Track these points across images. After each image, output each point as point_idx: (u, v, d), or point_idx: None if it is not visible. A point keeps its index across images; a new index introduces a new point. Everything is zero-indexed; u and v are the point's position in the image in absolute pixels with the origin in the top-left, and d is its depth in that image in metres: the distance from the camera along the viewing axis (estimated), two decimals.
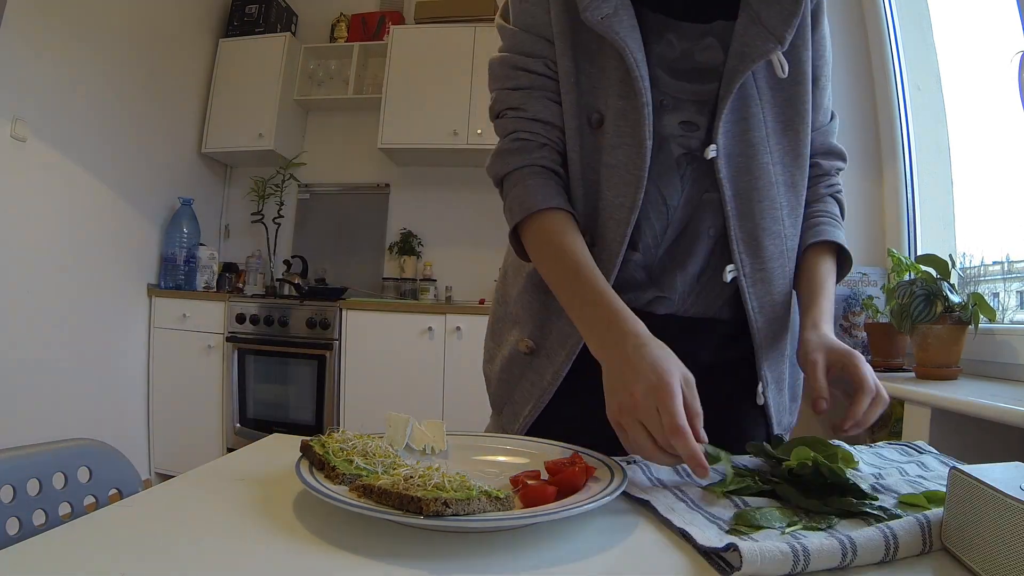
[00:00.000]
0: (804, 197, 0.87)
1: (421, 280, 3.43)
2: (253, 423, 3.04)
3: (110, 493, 0.68)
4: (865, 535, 0.45)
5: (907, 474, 0.65)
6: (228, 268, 3.49)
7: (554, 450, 0.67)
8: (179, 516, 0.53)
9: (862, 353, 2.08)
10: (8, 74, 2.39)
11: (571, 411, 0.80)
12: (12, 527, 0.58)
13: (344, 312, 2.98)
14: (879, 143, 2.23)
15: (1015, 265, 1.90)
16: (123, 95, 2.98)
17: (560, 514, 0.49)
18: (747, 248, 0.81)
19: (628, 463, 0.68)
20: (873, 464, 0.69)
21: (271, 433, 0.82)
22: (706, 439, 0.58)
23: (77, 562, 0.44)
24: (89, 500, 0.66)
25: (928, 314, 1.52)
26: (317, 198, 3.71)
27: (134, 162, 3.07)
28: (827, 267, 0.84)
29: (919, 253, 2.00)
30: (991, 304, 1.51)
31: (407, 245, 3.51)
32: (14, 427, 2.39)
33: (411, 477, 0.50)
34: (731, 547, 0.43)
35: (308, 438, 0.62)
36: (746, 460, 0.72)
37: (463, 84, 3.17)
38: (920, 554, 0.46)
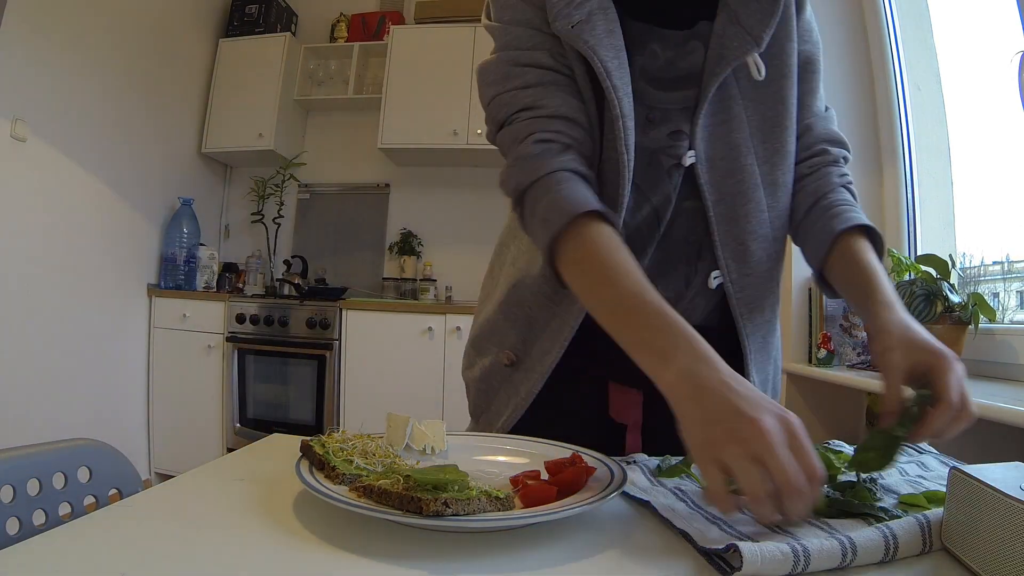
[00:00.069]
0: (790, 194, 0.83)
1: (421, 280, 3.43)
2: (253, 423, 3.04)
3: (110, 493, 0.68)
4: (865, 535, 0.45)
5: (907, 474, 0.65)
6: (228, 268, 3.49)
7: (554, 450, 0.67)
8: (179, 516, 0.53)
9: (862, 354, 2.06)
10: (8, 74, 2.39)
11: (543, 428, 0.75)
12: (12, 527, 0.58)
13: (344, 312, 2.98)
14: (879, 143, 2.23)
15: (1015, 265, 1.90)
16: (123, 95, 2.98)
17: (560, 514, 0.49)
18: (733, 253, 0.79)
19: (628, 463, 0.68)
20: None
21: (271, 433, 0.82)
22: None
23: (77, 562, 0.44)
24: (89, 500, 0.66)
25: (928, 314, 1.52)
26: (317, 198, 3.71)
27: (134, 162, 3.07)
28: (866, 247, 0.74)
29: (919, 253, 2.00)
30: (991, 304, 1.51)
31: (407, 245, 3.51)
32: (14, 427, 2.39)
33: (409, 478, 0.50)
34: (731, 548, 0.43)
35: (308, 438, 0.62)
36: None
37: (463, 84, 3.17)
38: (920, 554, 0.46)
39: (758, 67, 0.75)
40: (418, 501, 0.47)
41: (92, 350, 2.84)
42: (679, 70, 0.77)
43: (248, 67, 3.50)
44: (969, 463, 0.50)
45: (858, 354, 1.99)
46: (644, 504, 0.57)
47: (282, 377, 3.04)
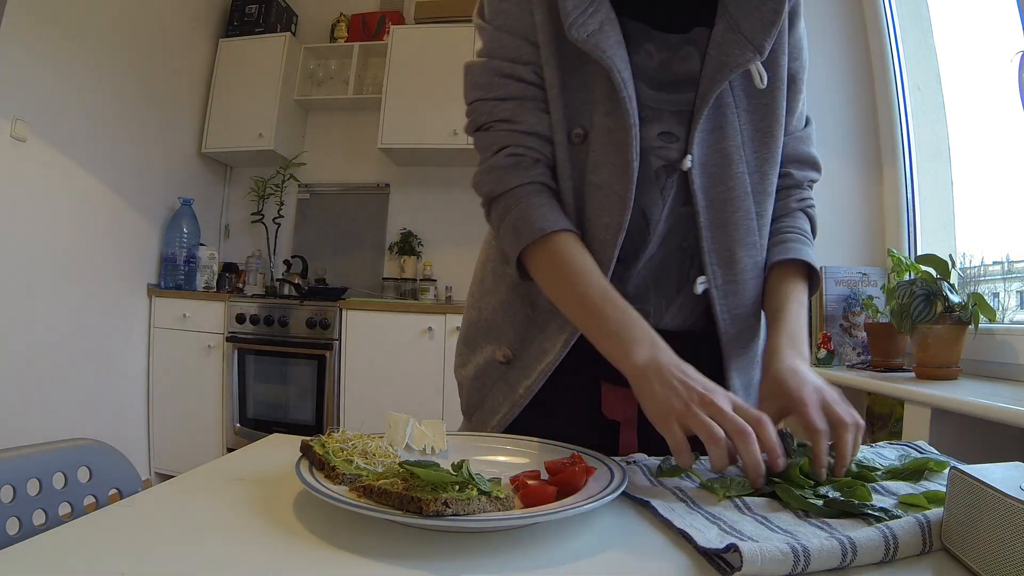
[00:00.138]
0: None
1: (421, 280, 3.43)
2: (253, 423, 3.04)
3: (110, 493, 0.68)
4: (865, 535, 0.45)
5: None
6: (228, 268, 3.50)
7: (554, 450, 0.67)
8: (179, 516, 0.53)
9: (861, 353, 2.06)
10: (8, 74, 2.40)
11: (540, 427, 0.76)
12: (12, 527, 0.58)
13: (344, 312, 2.98)
14: (879, 143, 2.23)
15: (1015, 265, 1.90)
16: (123, 95, 2.98)
17: (560, 514, 0.49)
18: (720, 260, 0.79)
19: (628, 463, 0.68)
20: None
21: (271, 433, 0.82)
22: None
23: (77, 562, 0.44)
24: (89, 500, 0.66)
25: (928, 314, 1.52)
26: (317, 198, 3.71)
27: (134, 162, 3.08)
28: (791, 286, 0.80)
29: (919, 253, 2.00)
30: (991, 304, 1.51)
31: (407, 245, 3.51)
32: (14, 427, 2.39)
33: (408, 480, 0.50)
34: (731, 547, 0.43)
35: (308, 438, 0.62)
36: None
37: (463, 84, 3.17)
38: (920, 554, 0.46)
39: (760, 75, 0.76)
40: (418, 501, 0.47)
41: (92, 350, 2.84)
42: (674, 73, 0.78)
43: (248, 67, 3.50)
44: (969, 463, 0.50)
45: (858, 354, 2.00)
46: (644, 504, 0.57)
47: (282, 377, 3.04)
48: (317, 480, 0.54)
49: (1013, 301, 1.90)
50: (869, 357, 1.91)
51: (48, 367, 2.62)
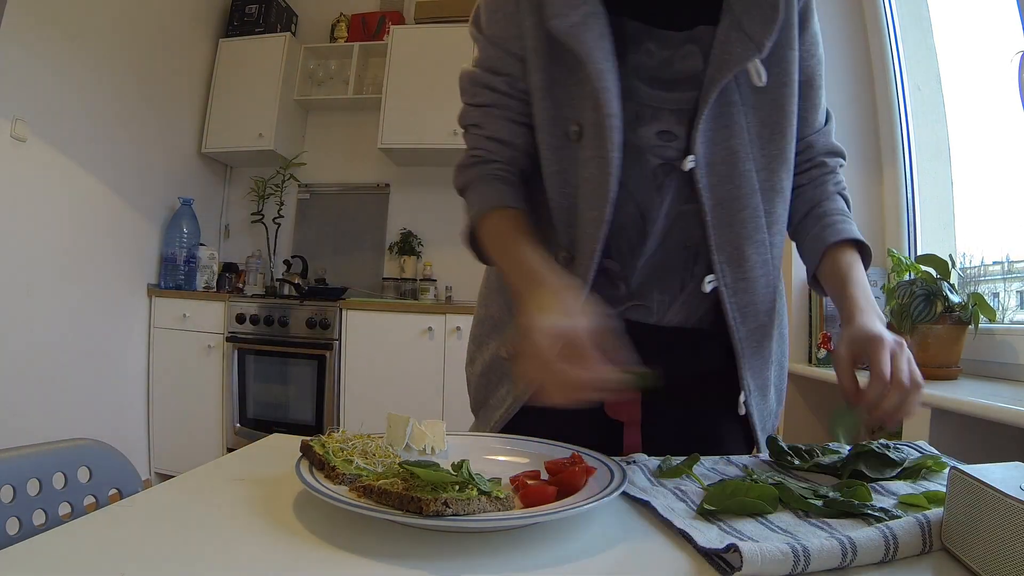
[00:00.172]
0: (788, 201, 0.85)
1: (421, 280, 3.43)
2: (253, 423, 3.04)
3: (110, 493, 0.68)
4: (865, 535, 0.45)
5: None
6: (228, 268, 3.49)
7: (554, 450, 0.67)
8: (179, 516, 0.53)
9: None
10: (8, 74, 2.39)
11: (541, 427, 0.75)
12: (12, 527, 0.58)
13: (344, 312, 2.98)
14: (879, 143, 2.23)
15: (1015, 265, 1.90)
16: (123, 95, 2.98)
17: (560, 514, 0.49)
18: (728, 258, 0.79)
19: (628, 463, 0.68)
20: None
21: (271, 433, 0.82)
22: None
23: (77, 562, 0.44)
24: (89, 500, 0.66)
25: (928, 314, 1.52)
26: (317, 198, 3.71)
27: (134, 162, 3.07)
28: (851, 258, 0.81)
29: (919, 253, 2.00)
30: (991, 304, 1.51)
31: (407, 245, 3.51)
32: (14, 427, 2.39)
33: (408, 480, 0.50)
34: (731, 547, 0.43)
35: (308, 438, 0.62)
36: (746, 460, 0.72)
37: None
38: (920, 554, 0.46)
39: (759, 73, 0.76)
40: (418, 501, 0.47)
41: (92, 350, 2.84)
42: (675, 72, 0.78)
43: (248, 67, 3.50)
44: (969, 463, 0.50)
45: None
46: (644, 504, 0.57)
47: (282, 377, 3.04)
48: (317, 480, 0.54)
49: (1013, 301, 1.90)
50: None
51: (48, 367, 2.62)
